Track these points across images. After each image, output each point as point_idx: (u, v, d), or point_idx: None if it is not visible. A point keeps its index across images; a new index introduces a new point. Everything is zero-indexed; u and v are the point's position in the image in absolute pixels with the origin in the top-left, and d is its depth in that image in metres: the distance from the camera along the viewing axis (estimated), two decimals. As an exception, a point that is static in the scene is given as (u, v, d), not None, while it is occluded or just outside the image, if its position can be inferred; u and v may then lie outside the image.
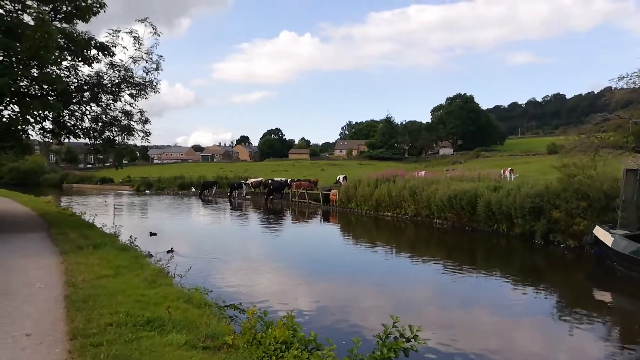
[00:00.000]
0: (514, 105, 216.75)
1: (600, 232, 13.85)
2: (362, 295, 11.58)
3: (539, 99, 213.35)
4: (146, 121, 15.81)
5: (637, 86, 25.11)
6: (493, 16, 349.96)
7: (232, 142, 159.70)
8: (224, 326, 5.55)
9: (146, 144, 17.48)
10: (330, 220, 28.30)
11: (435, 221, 23.60)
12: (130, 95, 15.30)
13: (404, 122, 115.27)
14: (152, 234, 19.23)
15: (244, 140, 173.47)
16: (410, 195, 25.42)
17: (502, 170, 28.39)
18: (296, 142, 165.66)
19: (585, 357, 7.77)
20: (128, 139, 15.88)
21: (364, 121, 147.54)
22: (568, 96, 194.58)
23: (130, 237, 13.38)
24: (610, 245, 13.02)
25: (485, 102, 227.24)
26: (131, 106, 15.44)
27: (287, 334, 4.92)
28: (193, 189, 47.56)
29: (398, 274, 14.07)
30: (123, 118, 15.46)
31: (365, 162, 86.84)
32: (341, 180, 39.51)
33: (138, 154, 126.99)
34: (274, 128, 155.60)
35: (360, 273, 14.09)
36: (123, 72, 14.77)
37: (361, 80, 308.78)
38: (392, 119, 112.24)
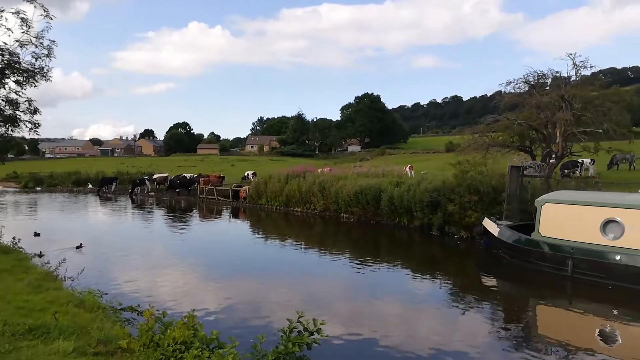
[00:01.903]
0: (417, 105, 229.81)
1: (488, 224, 15.14)
2: (272, 291, 11.57)
3: (439, 101, 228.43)
4: (35, 111, 14.36)
5: (521, 91, 27.86)
6: (401, 20, 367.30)
7: (135, 136, 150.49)
8: (119, 330, 5.23)
9: (35, 136, 15.91)
10: (240, 217, 27.93)
11: (343, 216, 24.29)
12: (17, 82, 13.83)
13: (315, 119, 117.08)
14: (36, 234, 17.66)
15: (148, 134, 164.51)
16: (320, 191, 25.89)
17: (404, 167, 29.94)
18: (205, 136, 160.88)
19: (476, 338, 8.43)
20: (13, 131, 14.38)
21: (275, 117, 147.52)
22: (465, 98, 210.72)
23: (14, 238, 12.13)
24: (496, 235, 14.29)
25: (391, 102, 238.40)
26: (17, 94, 13.97)
27: (188, 334, 4.75)
28: (90, 186, 44.26)
29: (307, 269, 14.27)
30: (7, 107, 13.94)
31: (277, 158, 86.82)
32: (250, 176, 39.11)
33: (26, 147, 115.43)
34: (181, 122, 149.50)
35: (270, 269, 14.08)
36: (7, 56, 13.33)
37: (273, 76, 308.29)
38: (303, 116, 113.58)
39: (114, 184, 41.92)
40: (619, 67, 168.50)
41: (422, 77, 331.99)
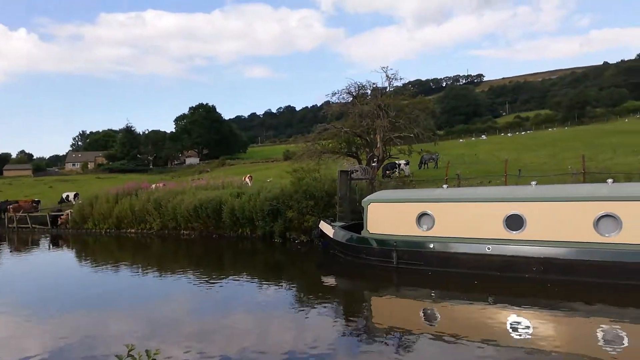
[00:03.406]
0: (254, 115, 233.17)
1: (324, 226, 16.08)
2: (111, 323, 10.46)
3: (274, 110, 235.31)
4: None
5: (345, 101, 30.28)
6: (231, 30, 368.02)
7: None
8: None
9: None
10: (63, 246, 24.75)
11: (183, 232, 23.31)
12: None
13: (147, 132, 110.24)
14: None
15: None
16: (155, 209, 24.43)
17: (243, 177, 30.05)
18: (14, 156, 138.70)
19: (323, 336, 8.81)
20: None
21: (100, 131, 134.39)
22: (298, 108, 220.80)
23: None
24: (332, 237, 15.25)
25: (227, 113, 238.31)
26: None
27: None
28: None
29: (148, 293, 13.29)
30: None
31: (105, 176, 79.15)
32: (71, 198, 34.56)
33: None
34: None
35: (106, 299, 12.68)
36: None
37: (95, 86, 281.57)
38: (133, 129, 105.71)
39: None
40: (423, 78, 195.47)
41: (256, 87, 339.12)
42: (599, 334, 8.26)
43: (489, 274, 11.69)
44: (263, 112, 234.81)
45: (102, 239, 25.20)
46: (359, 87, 29.63)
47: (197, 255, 19.61)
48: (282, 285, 13.38)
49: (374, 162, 25.83)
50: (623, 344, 7.82)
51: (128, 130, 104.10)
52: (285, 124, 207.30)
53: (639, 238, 10.23)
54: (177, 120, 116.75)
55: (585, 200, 11.04)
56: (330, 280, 14.26)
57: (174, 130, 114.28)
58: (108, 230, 26.15)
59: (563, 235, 11.01)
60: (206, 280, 13.99)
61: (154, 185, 29.29)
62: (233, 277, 14.65)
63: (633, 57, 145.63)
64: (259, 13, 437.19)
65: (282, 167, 40.35)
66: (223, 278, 14.41)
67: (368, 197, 14.75)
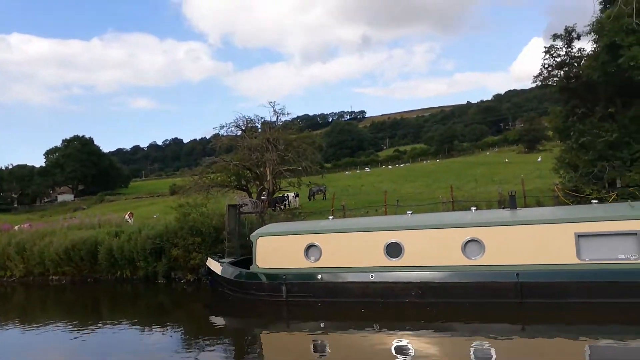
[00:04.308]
0: (137, 148, 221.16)
1: (212, 263, 15.56)
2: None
3: (160, 143, 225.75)
4: None
5: (234, 134, 30.19)
6: (112, 59, 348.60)
7: None
8: None
9: None
10: None
11: (52, 278, 20.90)
12: None
13: (11, 166, 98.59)
14: None
15: None
16: (18, 253, 21.69)
17: (124, 215, 28.09)
18: None
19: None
20: None
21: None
22: (185, 140, 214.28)
23: None
24: (219, 274, 14.79)
25: (107, 145, 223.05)
26: None
27: None
28: None
29: (10, 350, 11.55)
30: None
31: (-46, 218, 68.53)
32: None
33: None
34: None
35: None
36: None
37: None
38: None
39: None
40: (311, 113, 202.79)
41: (141, 119, 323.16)
42: (471, 351, 9.00)
43: (374, 301, 12.17)
44: (147, 145, 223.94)
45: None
46: (247, 120, 29.85)
47: (69, 303, 17.71)
48: (167, 329, 12.57)
49: (263, 194, 25.89)
50: (492, 358, 8.62)
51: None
52: (172, 156, 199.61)
53: (499, 260, 11.46)
54: (48, 153, 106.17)
55: (453, 227, 12.15)
56: (219, 320, 13.74)
57: (44, 165, 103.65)
58: (-44, 282, 22.50)
59: (436, 260, 11.94)
60: (80, 330, 12.62)
61: (17, 227, 26.10)
62: (112, 325, 13.41)
63: (490, 98, 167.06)
64: (142, 43, 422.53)
65: (168, 202, 38.45)
66: (100, 326, 13.14)
67: (257, 231, 14.65)
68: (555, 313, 10.48)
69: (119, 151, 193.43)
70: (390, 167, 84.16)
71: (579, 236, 10.85)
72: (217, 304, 15.25)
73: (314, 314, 12.51)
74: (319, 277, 12.91)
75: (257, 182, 28.20)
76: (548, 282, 10.89)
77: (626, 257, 10.46)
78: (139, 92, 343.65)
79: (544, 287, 10.92)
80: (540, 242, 11.18)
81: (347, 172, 79.40)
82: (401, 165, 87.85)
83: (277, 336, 11.65)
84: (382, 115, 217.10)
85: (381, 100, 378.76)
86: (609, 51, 16.45)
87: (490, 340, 9.56)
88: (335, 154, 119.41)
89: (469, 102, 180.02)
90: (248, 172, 28.37)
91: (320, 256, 13.10)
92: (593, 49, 18.36)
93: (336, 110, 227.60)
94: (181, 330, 12.65)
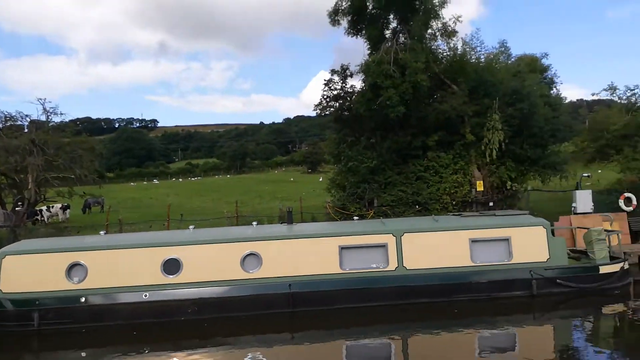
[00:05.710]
0: None
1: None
2: None
3: None
4: None
5: None
6: None
7: None
8: None
9: None
10: None
11: None
12: None
13: None
14: None
15: None
16: None
17: None
18: None
19: None
20: None
21: None
22: None
23: None
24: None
25: None
26: None
27: None
28: None
29: None
30: None
31: None
32: None
33: None
34: None
35: None
36: None
37: None
38: None
39: None
40: (94, 117, 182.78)
41: None
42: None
43: (147, 322, 11.39)
44: None
45: None
46: (6, 117, 25.33)
47: None
48: None
49: (19, 205, 22.07)
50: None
51: None
52: None
53: (274, 272, 12.04)
54: None
55: (232, 241, 12.32)
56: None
57: None
58: None
59: (215, 275, 11.87)
60: None
61: None
62: None
63: (281, 121, 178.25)
64: None
65: None
66: None
67: (4, 248, 12.26)
68: (321, 319, 11.53)
69: None
70: (181, 180, 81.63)
71: (342, 248, 12.22)
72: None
73: (75, 342, 11.00)
74: (82, 300, 11.46)
75: (15, 191, 23.97)
76: (315, 291, 11.90)
77: (377, 266, 12.20)
78: None
79: (312, 296, 11.88)
80: (309, 254, 12.20)
81: (132, 184, 73.86)
82: (193, 178, 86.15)
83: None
84: (176, 126, 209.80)
85: (176, 111, 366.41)
86: (373, 90, 19.35)
87: (263, 351, 9.91)
88: (120, 162, 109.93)
89: (262, 123, 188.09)
90: (3, 177, 23.92)
91: (85, 276, 11.66)
92: (361, 87, 21.33)
93: (125, 116, 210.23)
94: None
